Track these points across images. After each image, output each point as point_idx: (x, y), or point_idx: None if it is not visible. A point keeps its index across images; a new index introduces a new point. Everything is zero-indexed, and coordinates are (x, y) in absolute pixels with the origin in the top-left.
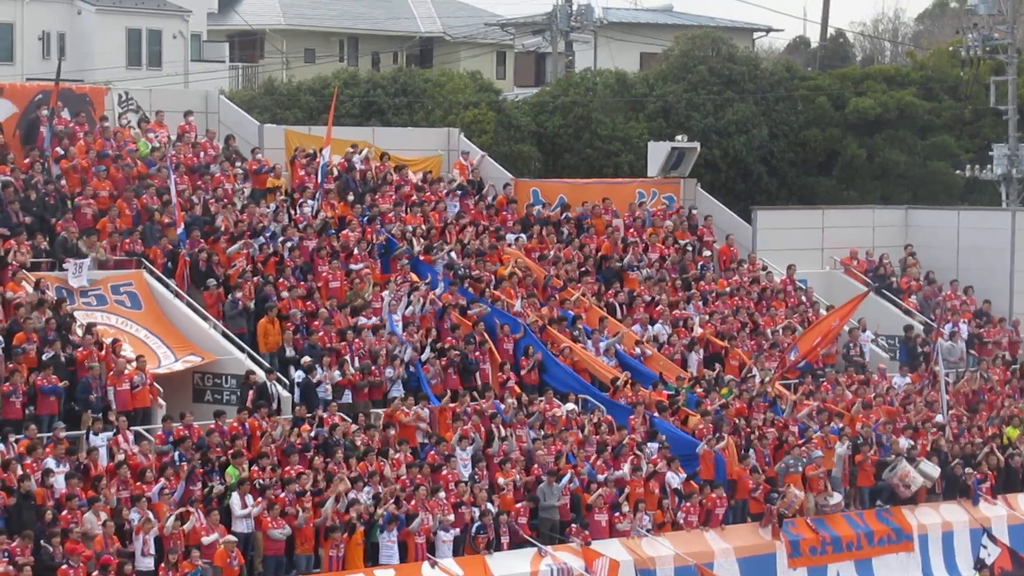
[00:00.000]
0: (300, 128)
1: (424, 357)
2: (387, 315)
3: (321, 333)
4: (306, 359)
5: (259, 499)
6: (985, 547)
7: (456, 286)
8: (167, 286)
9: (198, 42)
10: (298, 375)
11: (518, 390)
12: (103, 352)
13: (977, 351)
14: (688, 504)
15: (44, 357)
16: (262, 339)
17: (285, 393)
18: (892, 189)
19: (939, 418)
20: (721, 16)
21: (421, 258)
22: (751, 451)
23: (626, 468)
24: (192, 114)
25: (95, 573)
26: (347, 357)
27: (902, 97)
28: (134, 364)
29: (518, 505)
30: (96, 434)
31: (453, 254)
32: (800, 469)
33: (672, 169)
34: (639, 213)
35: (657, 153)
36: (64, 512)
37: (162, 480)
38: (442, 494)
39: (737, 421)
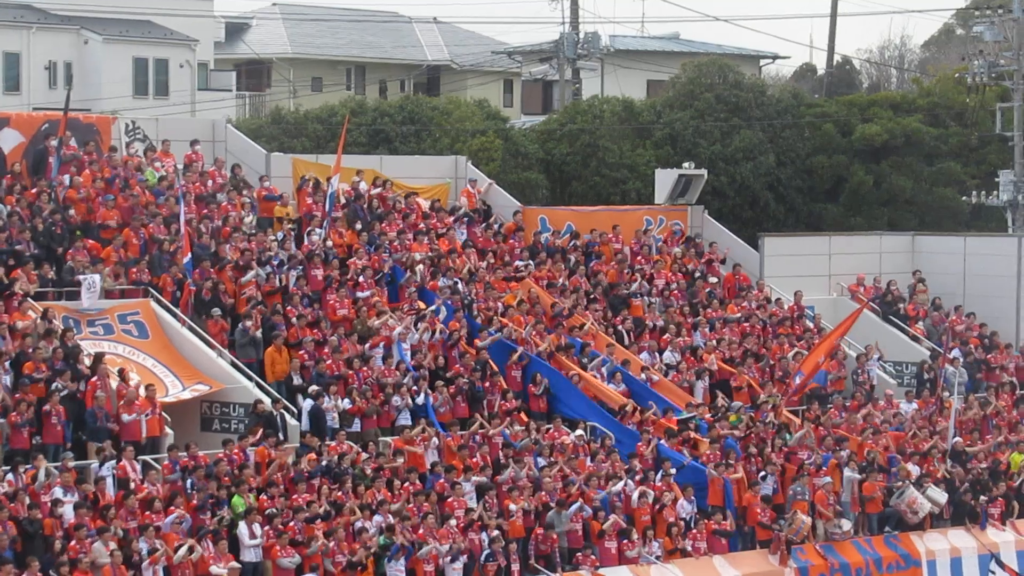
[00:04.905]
0: (307, 156)
1: (432, 385)
2: (395, 343)
3: (329, 361)
4: (314, 387)
5: (267, 528)
6: (993, 572)
7: (462, 313)
8: (175, 315)
9: (205, 71)
10: (307, 404)
11: (525, 418)
12: (113, 382)
13: (984, 377)
14: (695, 531)
15: (52, 387)
16: (269, 368)
17: (293, 421)
18: (899, 215)
19: (946, 444)
20: (728, 43)
21: (428, 286)
22: (768, 478)
23: (635, 495)
24: (199, 143)
25: None
26: (355, 385)
27: (908, 124)
28: (143, 394)
29: (539, 532)
30: (102, 464)
31: (460, 282)
32: (807, 496)
33: (679, 196)
34: (646, 240)
35: (664, 180)
36: (72, 542)
37: (177, 511)
38: (452, 522)
39: (751, 448)
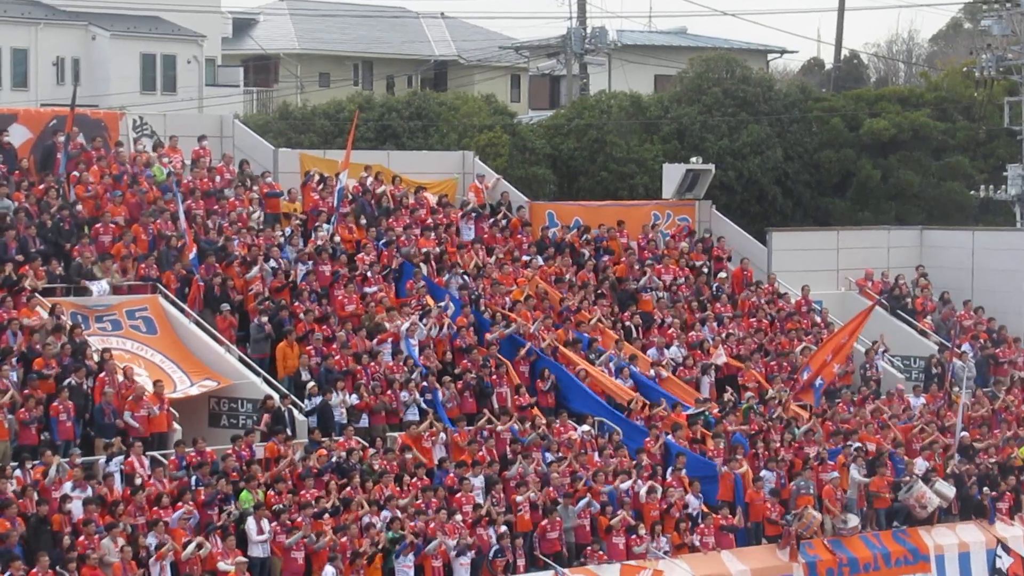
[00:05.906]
0: (315, 152)
1: (440, 381)
2: (403, 339)
3: (337, 357)
4: (311, 385)
5: (274, 523)
6: (1000, 556)
7: (470, 308)
8: (182, 311)
9: (212, 67)
10: (307, 403)
11: (535, 412)
12: (120, 377)
13: (993, 372)
14: (703, 526)
15: (62, 384)
16: (281, 363)
17: (301, 417)
18: (906, 210)
19: (953, 439)
20: (735, 38)
21: (435, 281)
22: (772, 474)
23: (643, 491)
24: (206, 139)
25: None
26: (363, 381)
27: (916, 118)
28: (151, 389)
29: (544, 522)
30: (110, 460)
31: (467, 277)
32: (811, 491)
33: (687, 191)
34: (653, 235)
35: (672, 175)
36: (81, 538)
37: (183, 507)
38: (459, 517)
39: (758, 443)
